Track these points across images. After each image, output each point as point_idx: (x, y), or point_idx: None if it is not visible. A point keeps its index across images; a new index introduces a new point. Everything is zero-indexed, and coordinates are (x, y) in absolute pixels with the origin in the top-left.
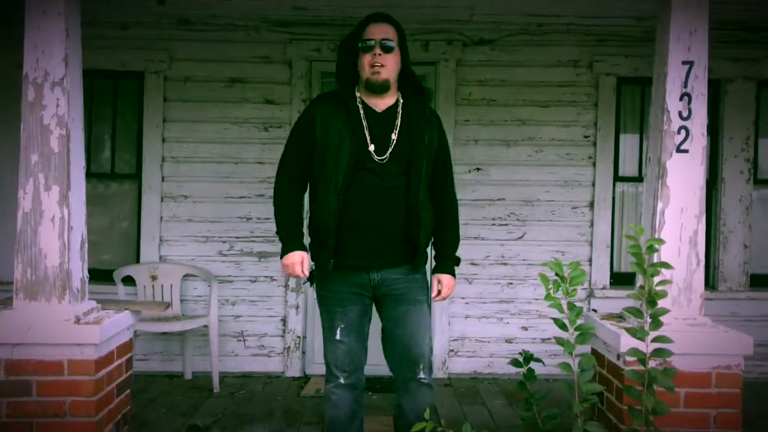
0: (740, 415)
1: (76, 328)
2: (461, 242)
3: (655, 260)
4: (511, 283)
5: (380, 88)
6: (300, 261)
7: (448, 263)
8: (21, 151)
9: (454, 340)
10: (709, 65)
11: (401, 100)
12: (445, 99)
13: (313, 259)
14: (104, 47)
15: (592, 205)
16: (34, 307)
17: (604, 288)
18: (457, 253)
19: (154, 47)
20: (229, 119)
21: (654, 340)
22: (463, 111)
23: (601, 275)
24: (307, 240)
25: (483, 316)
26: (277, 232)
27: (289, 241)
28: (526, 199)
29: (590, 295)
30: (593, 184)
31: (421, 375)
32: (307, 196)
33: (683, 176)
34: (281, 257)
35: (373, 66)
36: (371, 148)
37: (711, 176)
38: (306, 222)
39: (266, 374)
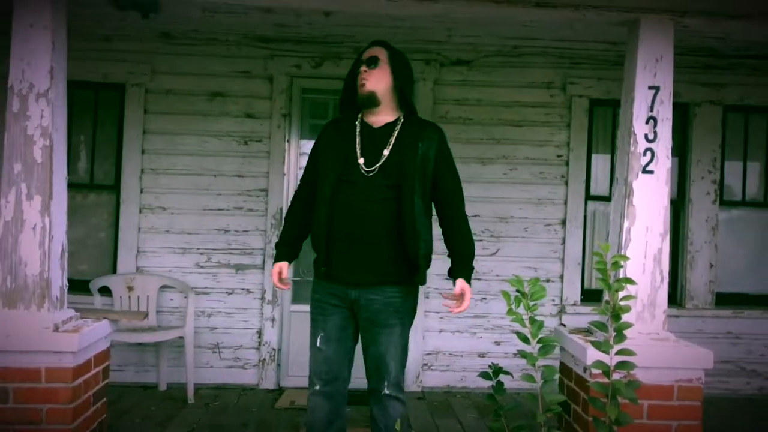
0: (701, 426)
1: (54, 336)
2: (437, 256)
3: (621, 276)
4: (484, 299)
5: (367, 101)
6: (277, 271)
7: (465, 271)
8: (4, 160)
9: (428, 354)
10: (678, 90)
11: (402, 119)
12: (422, 115)
13: (313, 265)
14: (87, 59)
15: (564, 222)
16: (13, 314)
17: (575, 304)
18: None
19: (137, 60)
20: (210, 132)
21: (618, 353)
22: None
23: (572, 291)
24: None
25: (457, 330)
26: (276, 244)
27: (277, 253)
28: (500, 216)
29: (561, 310)
30: (565, 203)
31: (386, 390)
32: None
33: (649, 196)
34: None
35: (360, 82)
36: (360, 161)
37: (679, 197)
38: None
39: (241, 386)
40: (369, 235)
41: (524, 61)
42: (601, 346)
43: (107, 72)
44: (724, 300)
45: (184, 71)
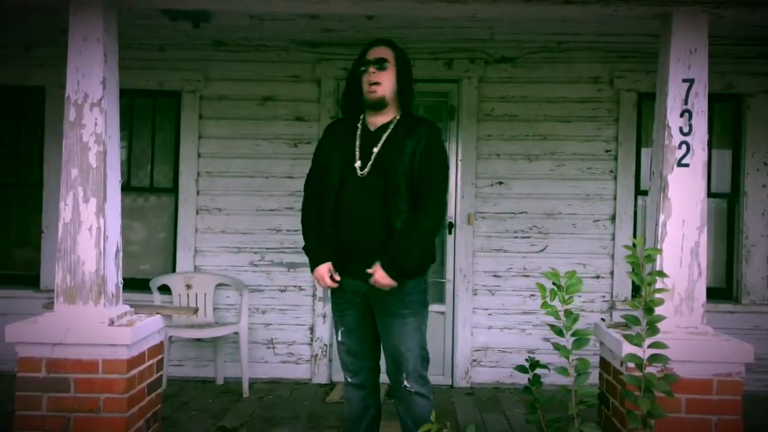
0: (741, 422)
1: (110, 330)
2: (485, 254)
3: (657, 269)
4: (533, 295)
5: (376, 105)
6: (327, 272)
7: (384, 257)
8: (62, 166)
9: (476, 350)
10: (731, 81)
11: (398, 118)
12: (468, 115)
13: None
14: (144, 68)
15: (613, 218)
16: (72, 310)
17: (625, 300)
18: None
19: (191, 68)
20: (261, 135)
21: (651, 346)
22: (485, 126)
23: (622, 287)
24: None
25: (506, 327)
26: (303, 248)
27: (314, 255)
28: (547, 213)
29: (612, 307)
30: (614, 198)
31: (406, 383)
32: None
33: (684, 189)
34: (311, 271)
35: (369, 84)
36: (357, 164)
37: (733, 190)
38: None
39: (294, 380)
40: (366, 234)
41: (570, 57)
42: (633, 340)
43: (163, 80)
44: None
45: (236, 77)
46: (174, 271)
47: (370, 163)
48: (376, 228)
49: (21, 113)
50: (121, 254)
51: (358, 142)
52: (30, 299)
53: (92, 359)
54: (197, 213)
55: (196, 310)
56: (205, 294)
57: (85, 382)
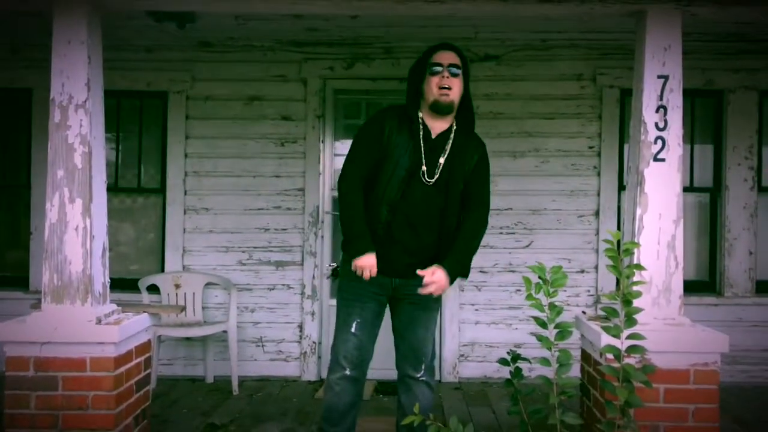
0: (717, 410)
1: (97, 329)
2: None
3: (635, 263)
4: (519, 290)
5: (446, 109)
6: (374, 263)
7: (450, 262)
8: (48, 167)
9: (464, 345)
10: (711, 77)
11: (455, 127)
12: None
13: (346, 262)
14: (131, 69)
15: (597, 213)
16: (60, 309)
17: (603, 296)
18: (470, 274)
19: (177, 68)
20: (248, 135)
21: (629, 337)
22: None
23: (606, 281)
24: None
25: (492, 322)
26: (344, 224)
27: (363, 240)
28: (533, 209)
29: (597, 300)
30: (598, 194)
31: (421, 374)
32: None
33: (660, 184)
34: (350, 252)
35: (441, 88)
36: (424, 169)
37: (715, 185)
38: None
39: (283, 378)
40: (419, 240)
41: (553, 54)
42: (611, 331)
43: (150, 81)
44: (764, 288)
45: (222, 77)
46: (163, 271)
47: (437, 173)
48: (431, 233)
49: (8, 115)
50: (108, 254)
51: (423, 145)
52: (19, 300)
53: (80, 357)
54: (185, 213)
55: (183, 308)
56: (193, 293)
57: (73, 380)
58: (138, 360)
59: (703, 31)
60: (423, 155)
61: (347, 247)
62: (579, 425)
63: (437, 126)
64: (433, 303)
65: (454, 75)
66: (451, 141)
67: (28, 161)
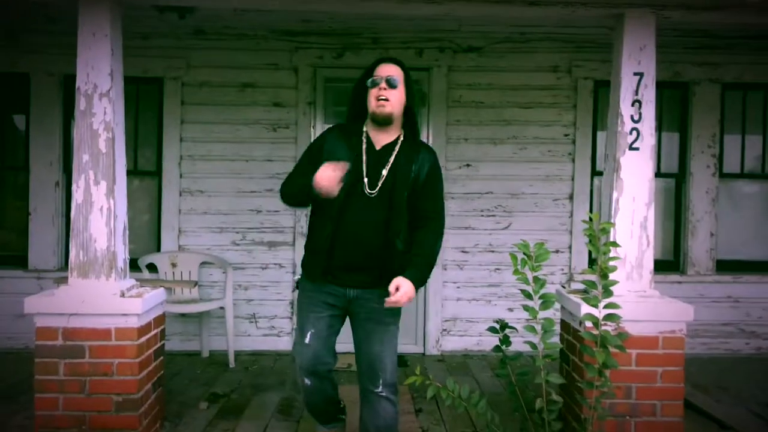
0: (683, 372)
1: (121, 301)
2: (455, 231)
3: (612, 241)
4: (498, 269)
5: (384, 121)
6: (333, 165)
7: (412, 272)
8: (74, 151)
9: (446, 320)
10: (678, 69)
11: (401, 139)
12: (438, 101)
13: (302, 267)
14: (128, 55)
15: (571, 197)
16: (86, 283)
17: (583, 271)
18: (453, 254)
19: (173, 55)
20: (241, 120)
21: (606, 306)
22: (454, 112)
23: (579, 261)
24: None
25: (473, 298)
26: (286, 193)
27: (304, 178)
28: (511, 192)
29: (570, 278)
30: (573, 179)
31: (380, 389)
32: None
33: (635, 170)
34: (310, 189)
35: (378, 99)
36: (365, 181)
37: (680, 171)
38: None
39: (276, 352)
40: (367, 251)
41: (532, 47)
42: (591, 301)
43: (147, 67)
44: (724, 266)
45: (216, 65)
46: (159, 250)
47: (378, 186)
48: (376, 246)
49: (6, 99)
50: (127, 232)
51: (364, 157)
52: (19, 279)
53: (106, 328)
54: (180, 195)
55: (195, 284)
56: (189, 272)
57: (99, 349)
58: (156, 331)
59: (672, 27)
60: (365, 167)
61: (300, 191)
62: (559, 385)
63: (382, 138)
64: (389, 317)
65: (392, 86)
66: (395, 152)
67: (26, 144)
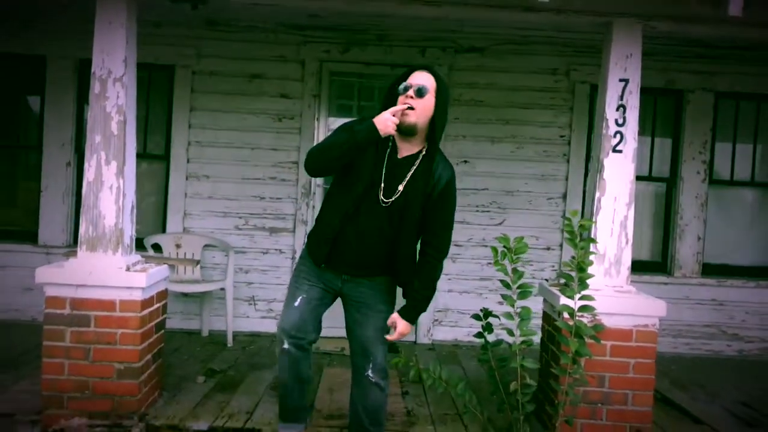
0: (653, 364)
1: (127, 275)
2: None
3: (592, 237)
4: (490, 263)
5: (407, 131)
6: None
7: (409, 310)
8: (87, 132)
9: (438, 311)
10: (673, 77)
11: (423, 153)
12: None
13: (306, 247)
14: (141, 43)
15: (564, 196)
16: (94, 257)
17: (563, 265)
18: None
19: (184, 44)
20: (248, 110)
21: (582, 298)
22: (454, 110)
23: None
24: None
25: (464, 291)
26: (331, 145)
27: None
28: (507, 190)
29: (559, 275)
30: (566, 179)
31: (370, 373)
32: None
33: (617, 171)
34: (370, 129)
35: (405, 109)
36: (381, 186)
37: (671, 175)
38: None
39: (273, 334)
40: (367, 255)
41: (532, 49)
42: (567, 292)
43: (158, 55)
44: (710, 270)
45: (226, 55)
46: (164, 231)
47: (393, 198)
48: (380, 253)
49: (22, 80)
50: (135, 211)
51: (386, 164)
52: (29, 253)
53: (111, 299)
54: (187, 179)
55: (198, 263)
56: (193, 253)
57: (104, 319)
58: (158, 305)
59: (666, 36)
60: (383, 174)
61: (341, 145)
62: (537, 370)
63: (405, 148)
64: (382, 305)
65: (420, 95)
66: (415, 166)
67: (40, 125)
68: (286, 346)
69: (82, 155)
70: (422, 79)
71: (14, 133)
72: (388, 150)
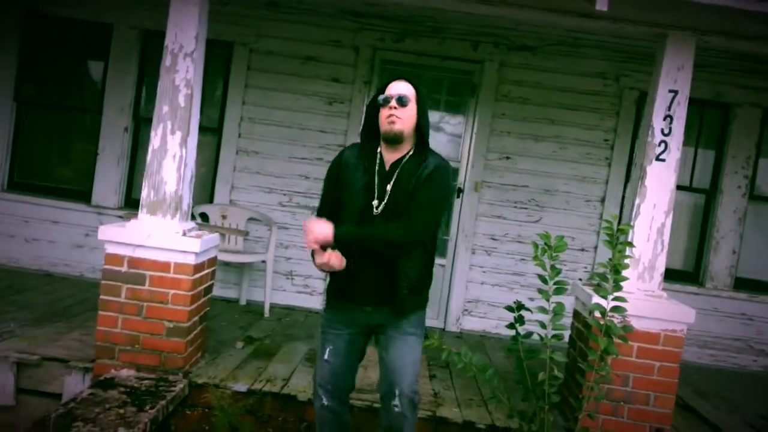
0: (678, 369)
1: (183, 239)
2: (487, 219)
3: (629, 241)
4: (524, 259)
5: (394, 139)
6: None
7: (344, 228)
8: (156, 102)
9: (468, 301)
10: (721, 90)
11: (410, 153)
12: (486, 94)
13: (325, 294)
14: None
15: (603, 200)
16: (153, 220)
17: (596, 274)
18: (476, 239)
19: (245, 23)
20: (301, 91)
21: (614, 299)
22: (500, 106)
23: (602, 261)
24: None
25: (497, 284)
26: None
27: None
28: (546, 189)
29: (592, 276)
30: (606, 182)
31: (396, 402)
32: None
33: (659, 180)
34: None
35: (388, 117)
36: (375, 202)
37: (711, 188)
38: None
39: (307, 309)
40: (375, 271)
41: (583, 52)
42: (600, 292)
43: (220, 31)
44: (742, 284)
45: (284, 36)
46: (211, 202)
47: (384, 203)
48: (381, 261)
49: (87, 46)
50: (193, 180)
51: (377, 179)
52: (81, 212)
53: (166, 261)
54: (237, 153)
55: (246, 233)
56: (237, 225)
57: (158, 279)
58: (208, 270)
59: (718, 48)
60: (376, 189)
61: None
62: (564, 364)
63: (391, 157)
64: (409, 327)
65: (402, 104)
66: (399, 166)
67: (102, 90)
68: (324, 402)
69: (139, 121)
70: (401, 88)
71: (75, 96)
72: (377, 167)
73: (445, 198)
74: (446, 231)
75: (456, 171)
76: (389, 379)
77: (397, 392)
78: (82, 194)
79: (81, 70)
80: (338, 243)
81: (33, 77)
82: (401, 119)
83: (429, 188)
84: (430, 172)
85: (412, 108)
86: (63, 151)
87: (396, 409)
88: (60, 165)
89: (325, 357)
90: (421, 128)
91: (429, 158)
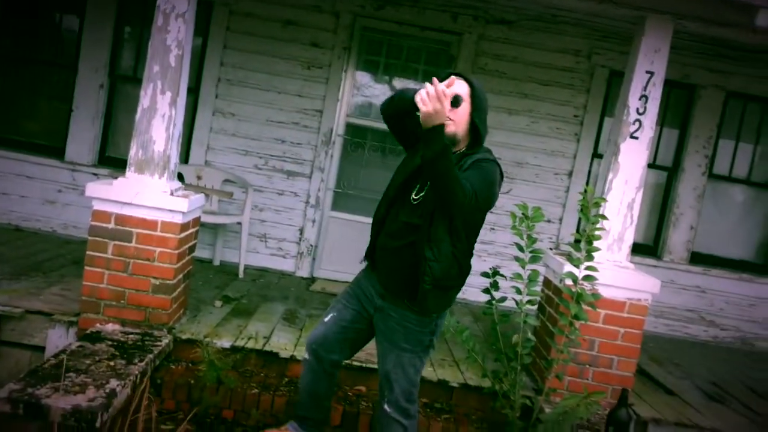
0: (641, 335)
1: (171, 199)
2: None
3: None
4: (493, 229)
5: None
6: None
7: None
8: (147, 61)
9: None
10: (688, 72)
11: (462, 151)
12: (464, 66)
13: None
14: None
15: (570, 174)
16: (141, 178)
17: (568, 243)
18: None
19: None
20: (279, 55)
21: (586, 268)
22: (477, 79)
23: (567, 232)
24: None
25: None
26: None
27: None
28: (517, 161)
29: (556, 246)
30: (574, 157)
31: (386, 407)
32: None
33: (631, 157)
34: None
35: None
36: (416, 188)
37: (673, 165)
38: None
39: (281, 271)
40: (398, 256)
41: (559, 29)
42: (573, 261)
43: None
44: (698, 259)
45: None
46: (187, 162)
47: (424, 192)
48: (407, 249)
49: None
50: (181, 140)
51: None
52: (55, 168)
53: (153, 219)
54: (213, 114)
55: (231, 194)
56: (212, 186)
57: (145, 237)
58: (192, 230)
59: (695, 33)
60: (420, 178)
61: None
62: (534, 328)
63: None
64: (405, 344)
65: (455, 105)
66: None
67: (77, 45)
68: (306, 356)
69: (115, 79)
70: (455, 87)
71: (49, 50)
72: None
73: (491, 185)
74: None
75: None
76: (382, 383)
77: (387, 399)
78: (55, 150)
79: (55, 24)
80: (433, 135)
81: (6, 30)
82: (453, 121)
83: (475, 171)
84: (476, 161)
85: (465, 107)
86: (32, 106)
87: (390, 414)
88: (32, 120)
89: (326, 320)
90: (476, 126)
91: (479, 156)
